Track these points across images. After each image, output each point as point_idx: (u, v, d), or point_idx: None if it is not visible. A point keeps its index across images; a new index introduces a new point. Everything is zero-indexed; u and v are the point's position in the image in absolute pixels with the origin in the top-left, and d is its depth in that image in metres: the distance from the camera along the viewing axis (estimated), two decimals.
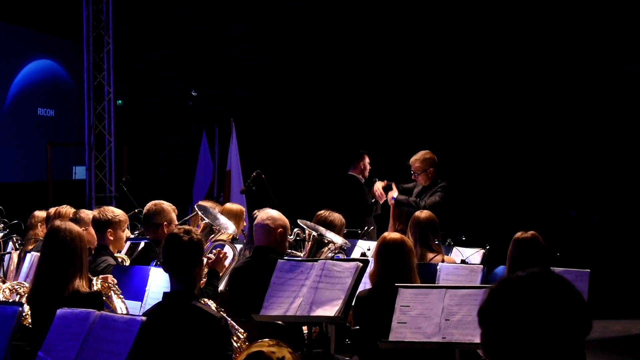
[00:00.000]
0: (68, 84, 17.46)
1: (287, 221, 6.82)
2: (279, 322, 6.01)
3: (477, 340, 5.40)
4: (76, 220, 7.65)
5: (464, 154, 17.12)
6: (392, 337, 5.46)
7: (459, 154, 17.07)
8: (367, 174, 11.30)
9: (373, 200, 10.95)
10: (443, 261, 7.27)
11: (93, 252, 7.15)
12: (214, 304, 5.38)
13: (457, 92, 17.28)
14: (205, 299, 5.39)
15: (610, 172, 16.64)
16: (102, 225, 7.14)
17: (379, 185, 10.46)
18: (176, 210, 7.13)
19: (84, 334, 4.69)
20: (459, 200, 10.62)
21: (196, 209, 7.11)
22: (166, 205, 7.02)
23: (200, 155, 15.04)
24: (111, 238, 7.17)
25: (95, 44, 13.40)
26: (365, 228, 9.36)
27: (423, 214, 7.62)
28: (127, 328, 4.62)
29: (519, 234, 6.29)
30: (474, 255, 7.79)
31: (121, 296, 5.91)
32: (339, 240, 7.13)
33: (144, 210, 7.08)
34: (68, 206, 8.41)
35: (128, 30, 17.26)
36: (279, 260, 5.96)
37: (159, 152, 17.61)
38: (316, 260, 5.90)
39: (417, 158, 9.91)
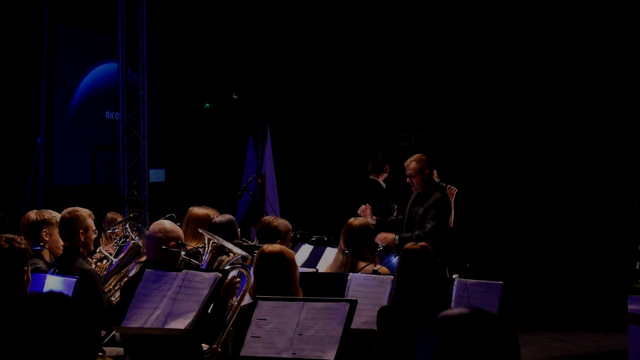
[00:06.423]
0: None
1: (181, 233, 6.36)
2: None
3: (327, 356, 5.04)
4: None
5: (526, 161, 16.57)
6: (244, 352, 5.13)
7: (521, 160, 16.53)
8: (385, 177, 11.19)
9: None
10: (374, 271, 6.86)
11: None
12: None
13: (507, 96, 16.78)
14: None
15: None
16: (36, 226, 7.03)
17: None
18: (92, 216, 6.87)
19: None
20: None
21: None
22: (82, 211, 6.75)
23: (247, 160, 14.83)
24: (46, 239, 7.03)
25: (130, 46, 13.34)
26: None
27: (357, 221, 7.19)
28: None
29: (409, 245, 5.87)
30: None
31: None
32: (239, 251, 6.65)
33: (59, 218, 6.88)
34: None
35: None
36: (146, 270, 5.66)
37: (205, 156, 17.53)
38: (180, 270, 5.60)
39: (413, 159, 9.33)
